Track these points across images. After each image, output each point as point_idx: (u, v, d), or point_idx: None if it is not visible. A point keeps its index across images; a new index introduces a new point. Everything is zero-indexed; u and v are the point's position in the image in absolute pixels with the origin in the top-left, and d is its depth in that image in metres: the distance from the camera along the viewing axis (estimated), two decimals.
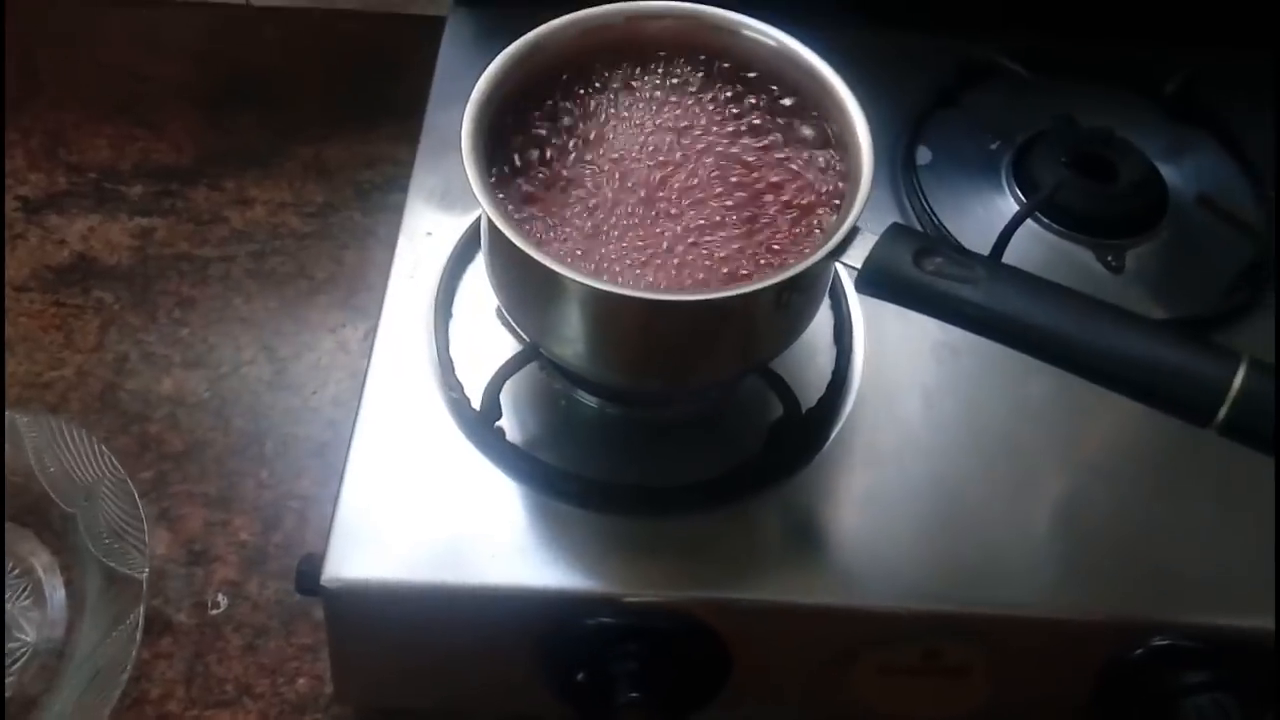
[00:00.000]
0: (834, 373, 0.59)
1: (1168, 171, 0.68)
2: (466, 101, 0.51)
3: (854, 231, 0.47)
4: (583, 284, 0.46)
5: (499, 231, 0.47)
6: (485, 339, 0.59)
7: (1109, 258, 0.65)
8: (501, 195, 0.51)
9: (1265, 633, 0.51)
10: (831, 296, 0.60)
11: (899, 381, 0.60)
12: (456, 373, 0.58)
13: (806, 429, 0.57)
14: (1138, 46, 0.73)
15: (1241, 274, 0.64)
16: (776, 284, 0.46)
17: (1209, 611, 0.53)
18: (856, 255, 0.47)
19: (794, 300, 0.49)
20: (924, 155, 0.69)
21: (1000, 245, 0.61)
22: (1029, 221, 0.63)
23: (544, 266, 0.46)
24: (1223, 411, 0.40)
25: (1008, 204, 0.67)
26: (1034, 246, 0.64)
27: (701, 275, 0.49)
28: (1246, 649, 0.52)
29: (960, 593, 0.53)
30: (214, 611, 0.62)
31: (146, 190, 0.79)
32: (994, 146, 0.69)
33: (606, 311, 0.49)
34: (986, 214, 0.66)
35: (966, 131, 0.70)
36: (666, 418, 0.59)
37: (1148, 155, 0.67)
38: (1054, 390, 0.59)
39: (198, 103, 0.84)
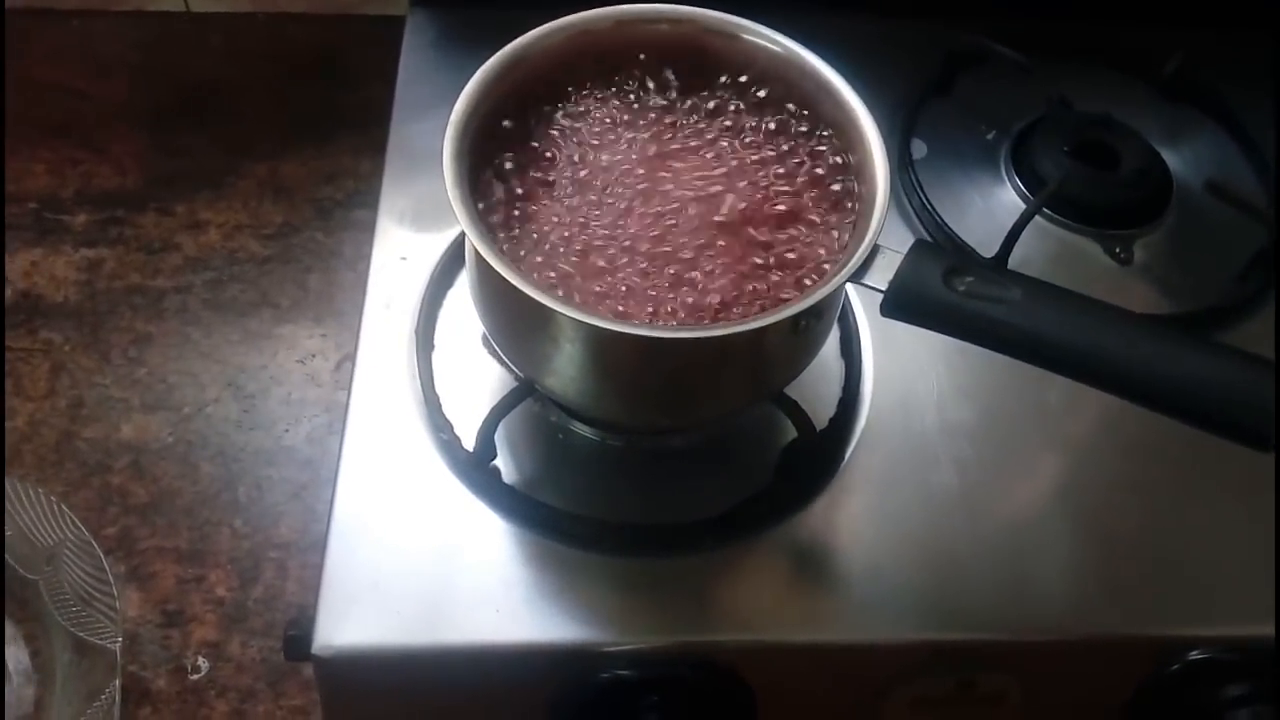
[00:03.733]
0: (844, 388, 0.56)
1: (1169, 156, 0.66)
2: (434, 111, 0.47)
3: (875, 250, 0.44)
4: (586, 323, 0.43)
5: (489, 267, 0.43)
6: (472, 370, 0.56)
7: (1117, 249, 0.62)
8: (488, 222, 0.47)
9: None
10: None
11: (912, 391, 0.57)
12: (444, 411, 0.54)
13: (821, 451, 0.54)
14: (1129, 27, 0.70)
15: (1252, 260, 0.62)
16: (793, 314, 0.42)
17: (1247, 622, 0.51)
18: (879, 276, 0.43)
19: (811, 326, 0.46)
20: (919, 149, 0.66)
21: (1008, 245, 0.59)
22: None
23: (542, 305, 0.42)
24: None
25: (1009, 196, 0.64)
26: (1041, 242, 0.62)
27: (703, 301, 0.46)
28: None
29: (993, 619, 0.51)
30: (195, 676, 0.58)
31: (91, 218, 0.74)
32: (990, 136, 0.67)
33: (610, 349, 0.45)
34: (988, 207, 0.64)
35: (961, 121, 0.67)
36: (672, 446, 0.55)
37: (1147, 139, 0.65)
38: (1074, 391, 0.55)
39: (141, 120, 0.78)
